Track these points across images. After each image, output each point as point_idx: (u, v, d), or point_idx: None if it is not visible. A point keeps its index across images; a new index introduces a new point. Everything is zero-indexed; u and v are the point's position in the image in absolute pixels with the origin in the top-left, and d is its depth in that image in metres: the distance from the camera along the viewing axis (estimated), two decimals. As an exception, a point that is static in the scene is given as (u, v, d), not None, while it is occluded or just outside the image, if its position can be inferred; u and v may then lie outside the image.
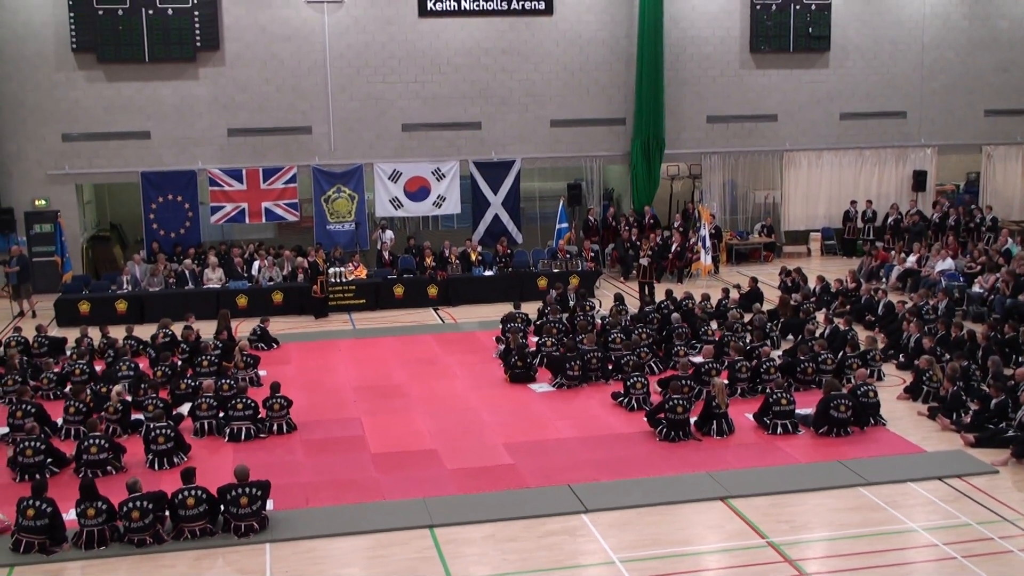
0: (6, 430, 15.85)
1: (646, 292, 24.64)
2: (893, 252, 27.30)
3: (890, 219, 30.39)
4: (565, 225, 28.06)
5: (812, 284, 24.39)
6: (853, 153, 31.71)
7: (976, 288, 23.54)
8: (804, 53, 30.79)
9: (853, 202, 31.14)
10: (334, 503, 13.31)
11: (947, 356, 17.93)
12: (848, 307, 22.82)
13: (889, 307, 22.05)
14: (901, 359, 19.38)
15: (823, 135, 31.48)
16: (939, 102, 31.87)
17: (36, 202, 27.61)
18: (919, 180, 31.68)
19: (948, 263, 25.14)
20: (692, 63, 30.35)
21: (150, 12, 27.04)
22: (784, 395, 15.78)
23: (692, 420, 15.68)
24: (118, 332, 20.71)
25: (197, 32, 27.42)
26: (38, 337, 20.65)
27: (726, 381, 17.09)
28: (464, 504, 13.22)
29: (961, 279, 24.31)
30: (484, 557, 11.79)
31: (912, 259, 26.41)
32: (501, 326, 21.33)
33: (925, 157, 32.03)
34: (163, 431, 14.69)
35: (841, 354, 18.54)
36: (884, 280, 26.02)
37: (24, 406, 15.86)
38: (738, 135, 31.00)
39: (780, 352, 19.54)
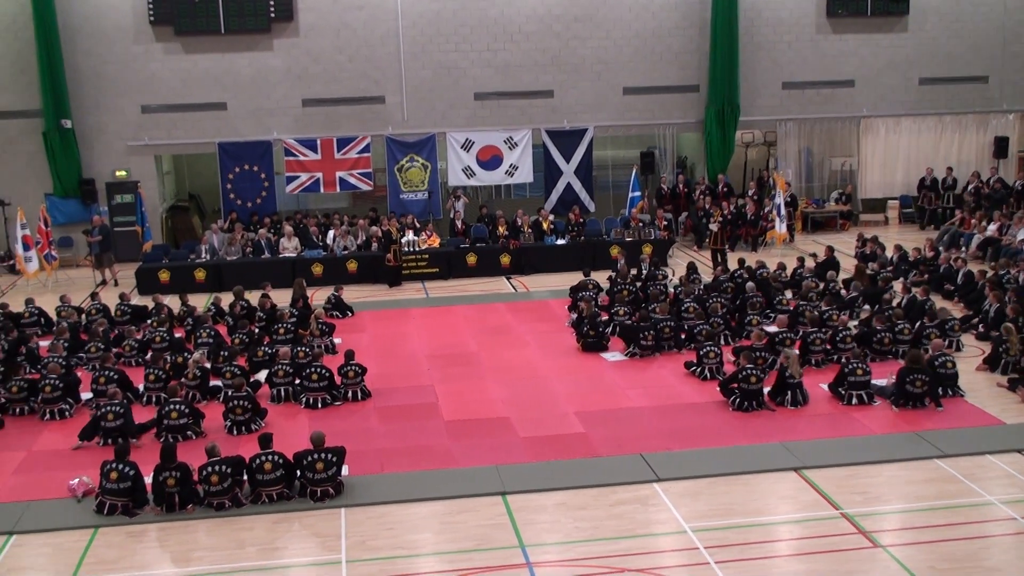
0: (90, 395, 16.29)
1: (718, 259, 24.47)
2: (974, 221, 26.75)
3: (970, 187, 29.73)
4: (638, 193, 27.91)
5: (890, 253, 24.03)
6: (932, 119, 30.97)
7: (1059, 257, 23.03)
8: (882, 16, 30.06)
9: (929, 169, 30.41)
10: (408, 469, 13.48)
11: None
12: (926, 276, 22.45)
13: (969, 276, 21.64)
14: (980, 329, 19.05)
15: (901, 101, 30.80)
16: (1022, 66, 30.97)
17: (117, 173, 28.17)
18: (1001, 147, 30.90)
19: (1030, 231, 24.62)
20: (767, 28, 29.85)
21: (225, -16, 27.38)
22: (860, 365, 15.61)
23: (766, 390, 15.59)
24: (197, 300, 21.05)
25: (271, 3, 27.60)
26: (120, 305, 21.13)
27: (798, 351, 16.94)
28: (536, 472, 13.31)
29: (1044, 247, 23.80)
30: (556, 525, 11.87)
31: (993, 227, 25.87)
32: (571, 295, 21.38)
33: (1007, 123, 31.20)
34: (241, 402, 14.98)
35: (919, 324, 18.24)
36: (964, 249, 25.52)
37: (107, 372, 16.28)
38: (814, 101, 30.47)
39: (856, 322, 19.31)
